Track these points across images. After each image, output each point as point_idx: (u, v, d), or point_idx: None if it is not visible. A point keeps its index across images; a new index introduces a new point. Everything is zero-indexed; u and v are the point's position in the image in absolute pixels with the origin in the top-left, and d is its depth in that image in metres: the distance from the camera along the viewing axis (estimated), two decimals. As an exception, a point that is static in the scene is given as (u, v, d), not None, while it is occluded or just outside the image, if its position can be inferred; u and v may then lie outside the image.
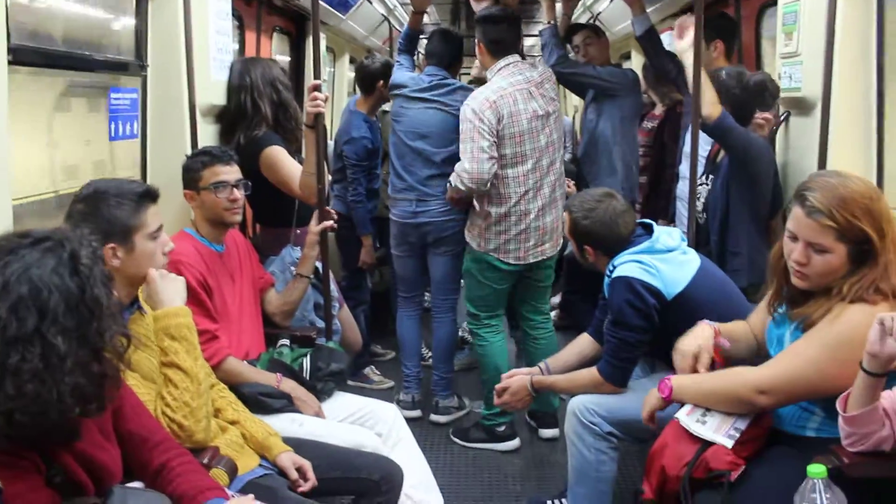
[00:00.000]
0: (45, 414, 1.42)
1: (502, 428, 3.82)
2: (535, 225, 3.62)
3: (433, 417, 4.11)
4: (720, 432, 2.09)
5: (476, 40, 3.74)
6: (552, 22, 4.09)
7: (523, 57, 3.94)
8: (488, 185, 3.52)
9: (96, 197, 2.08)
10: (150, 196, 2.12)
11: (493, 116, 3.48)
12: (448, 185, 3.67)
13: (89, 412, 1.52)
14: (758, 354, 2.35)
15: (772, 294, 2.23)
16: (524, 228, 3.61)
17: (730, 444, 2.06)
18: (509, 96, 3.54)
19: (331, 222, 3.06)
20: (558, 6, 4.28)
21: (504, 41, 3.67)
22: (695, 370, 2.26)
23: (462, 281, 4.06)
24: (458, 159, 3.61)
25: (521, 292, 3.89)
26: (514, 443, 3.83)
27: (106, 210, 2.05)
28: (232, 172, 2.78)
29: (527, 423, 4.04)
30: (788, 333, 2.14)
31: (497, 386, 3.02)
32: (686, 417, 2.16)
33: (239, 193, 2.78)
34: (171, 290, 2.12)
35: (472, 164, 3.47)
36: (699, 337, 2.31)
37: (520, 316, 4.01)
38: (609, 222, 2.74)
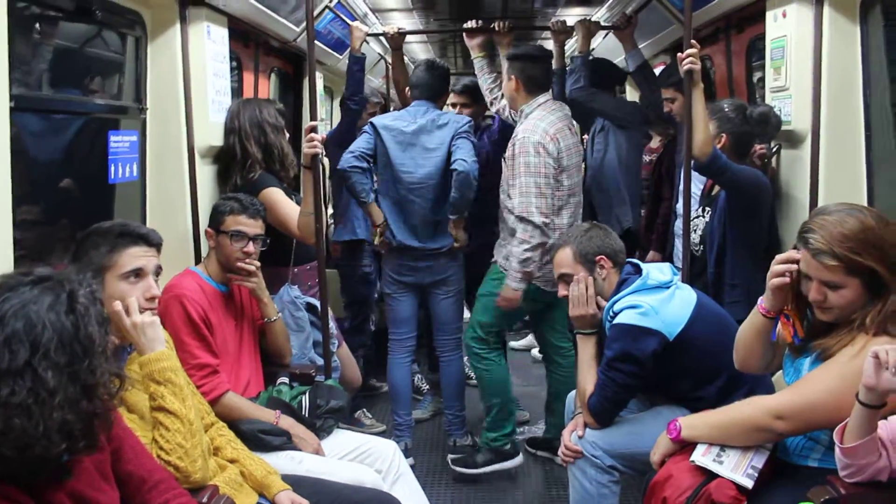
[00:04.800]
0: (30, 448, 1.43)
1: (508, 446, 3.80)
2: None
3: (452, 457, 3.94)
4: (739, 471, 2.08)
5: (508, 76, 3.69)
6: (583, 52, 4.18)
7: None
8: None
9: (85, 237, 2.14)
10: (131, 237, 2.13)
11: (555, 150, 3.48)
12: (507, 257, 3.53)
13: (77, 450, 1.52)
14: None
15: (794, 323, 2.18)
16: None
17: (750, 484, 2.05)
18: (562, 130, 3.56)
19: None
20: (550, 43, 4.34)
21: (539, 79, 3.69)
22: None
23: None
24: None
25: (548, 317, 3.86)
26: (519, 458, 3.81)
27: (85, 250, 2.10)
28: (253, 227, 2.83)
29: (530, 454, 4.05)
30: (808, 363, 2.12)
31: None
32: (702, 458, 2.14)
33: (253, 248, 2.82)
34: (150, 337, 2.07)
35: (539, 200, 3.44)
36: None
37: (548, 343, 3.95)
38: (604, 236, 2.83)
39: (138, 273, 2.12)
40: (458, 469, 3.84)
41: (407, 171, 3.72)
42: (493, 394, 3.79)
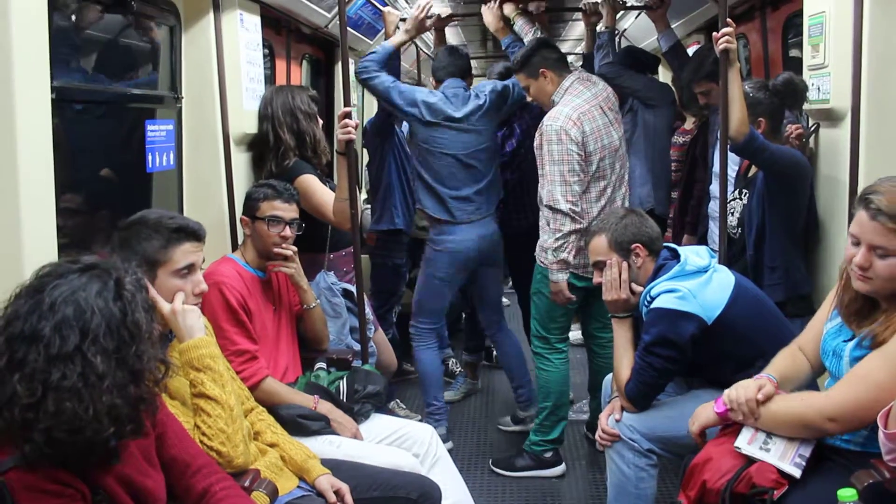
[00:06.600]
0: (81, 432, 1.46)
1: (549, 454, 3.77)
2: None
3: (513, 428, 4.11)
4: (786, 460, 2.05)
5: (535, 77, 3.62)
6: (609, 27, 4.17)
7: None
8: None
9: (135, 226, 2.15)
10: (184, 233, 2.14)
11: (579, 135, 3.44)
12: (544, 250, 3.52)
13: (125, 434, 1.56)
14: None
15: (847, 302, 2.12)
16: None
17: (799, 473, 2.02)
18: (588, 113, 3.51)
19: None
20: (581, 25, 4.33)
21: (562, 57, 3.69)
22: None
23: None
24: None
25: (590, 309, 3.84)
26: (561, 468, 3.76)
27: (137, 240, 2.11)
28: (289, 211, 2.85)
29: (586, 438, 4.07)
30: (849, 347, 2.07)
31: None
32: (748, 447, 2.10)
33: (290, 232, 2.84)
34: (189, 323, 2.10)
35: (563, 188, 3.41)
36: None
37: (588, 333, 3.95)
38: (640, 223, 2.80)
39: (190, 268, 2.15)
40: (497, 470, 3.83)
41: (454, 154, 3.81)
42: (546, 395, 3.77)
